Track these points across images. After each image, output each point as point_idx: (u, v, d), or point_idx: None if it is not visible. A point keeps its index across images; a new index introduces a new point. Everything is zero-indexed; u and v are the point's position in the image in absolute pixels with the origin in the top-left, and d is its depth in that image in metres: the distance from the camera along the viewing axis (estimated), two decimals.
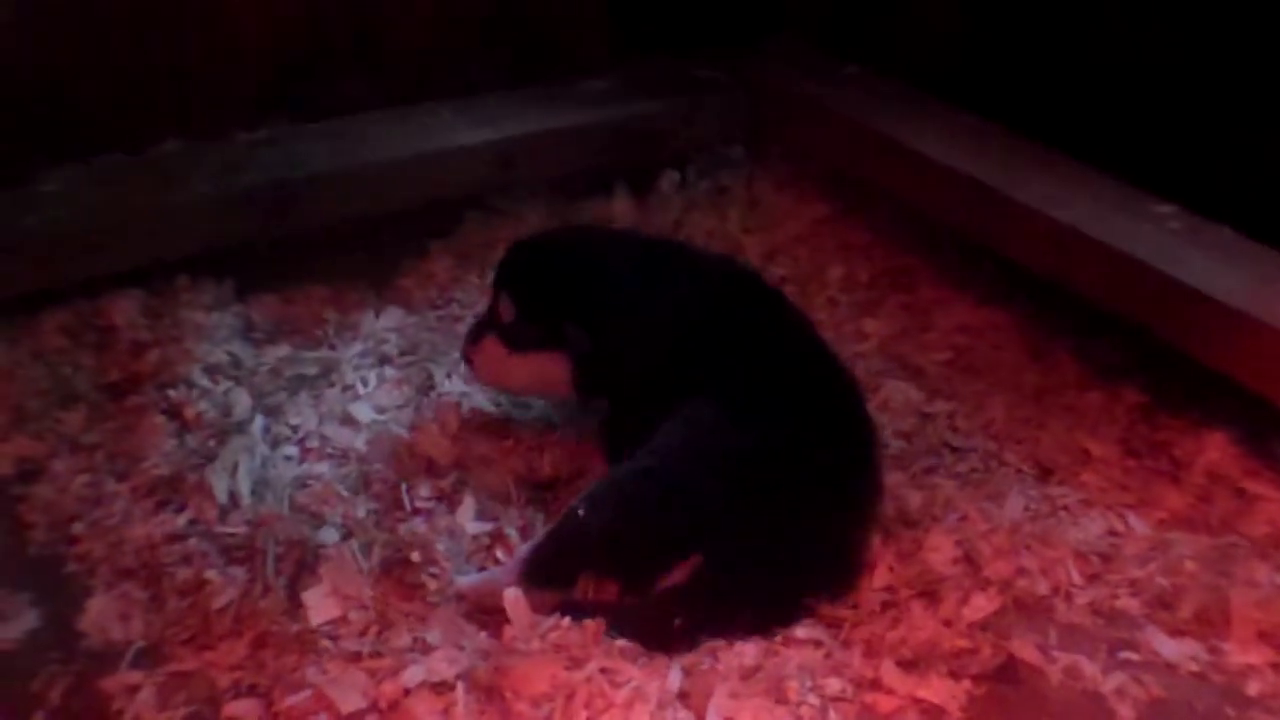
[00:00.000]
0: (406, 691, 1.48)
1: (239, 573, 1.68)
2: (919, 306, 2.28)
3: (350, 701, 1.47)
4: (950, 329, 2.22)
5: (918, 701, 1.51)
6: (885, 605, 1.65)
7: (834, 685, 1.51)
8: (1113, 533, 1.78)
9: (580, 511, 1.60)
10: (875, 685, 1.52)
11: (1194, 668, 1.58)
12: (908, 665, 1.55)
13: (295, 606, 1.63)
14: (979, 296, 2.29)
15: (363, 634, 1.59)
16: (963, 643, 1.58)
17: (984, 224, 2.19)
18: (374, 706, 1.47)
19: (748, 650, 1.55)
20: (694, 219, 2.53)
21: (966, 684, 1.53)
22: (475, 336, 1.90)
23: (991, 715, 1.50)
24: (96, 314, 2.16)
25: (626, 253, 1.92)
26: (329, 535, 1.73)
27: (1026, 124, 2.31)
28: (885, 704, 1.50)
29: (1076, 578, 1.69)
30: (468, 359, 1.91)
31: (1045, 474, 1.90)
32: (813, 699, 1.48)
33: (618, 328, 1.82)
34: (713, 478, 1.61)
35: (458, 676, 1.49)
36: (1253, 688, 1.55)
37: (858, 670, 1.54)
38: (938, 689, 1.51)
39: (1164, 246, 1.98)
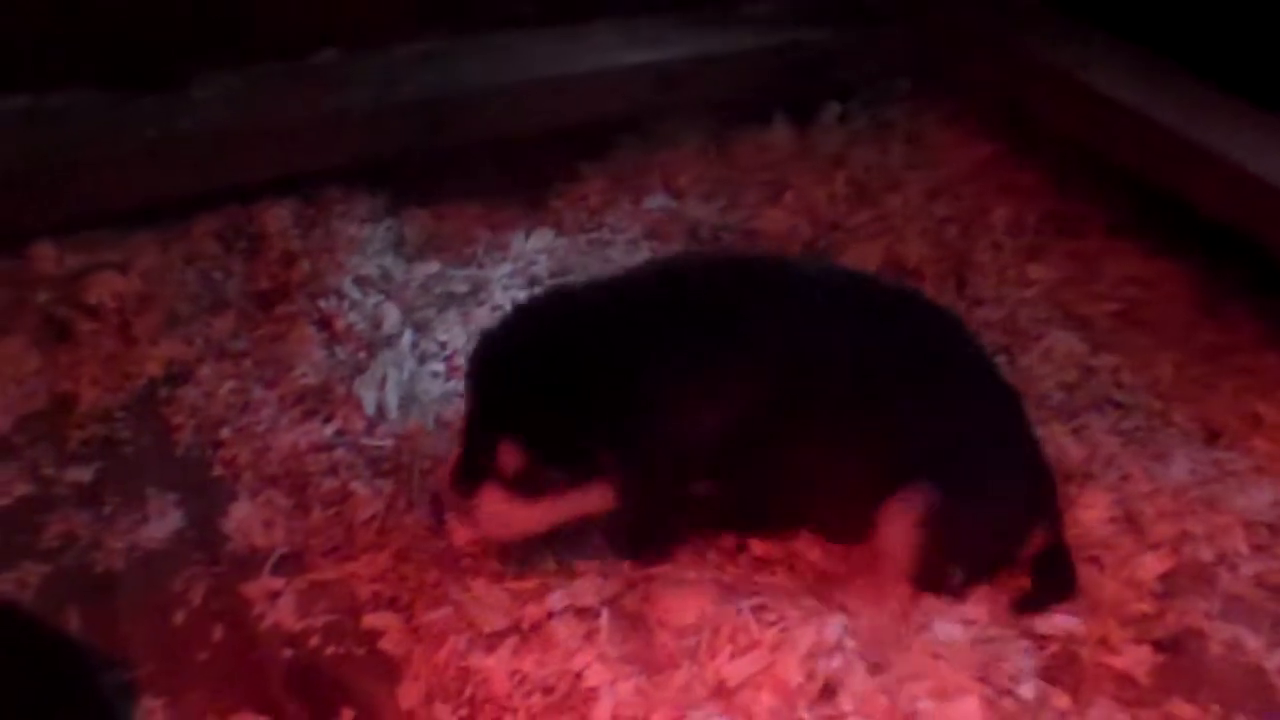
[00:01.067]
0: (550, 615, 1.47)
1: (385, 485, 1.68)
2: (1087, 254, 2.19)
3: (491, 621, 1.47)
4: (1120, 279, 2.12)
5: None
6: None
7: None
8: None
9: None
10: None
11: None
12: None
13: (439, 524, 1.62)
14: (1152, 247, 2.18)
15: (505, 555, 1.58)
16: (1145, 606, 1.53)
17: (1162, 168, 2.07)
18: (515, 628, 1.47)
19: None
20: (855, 153, 2.45)
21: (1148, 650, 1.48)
22: (466, 485, 1.47)
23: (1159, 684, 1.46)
24: (249, 221, 2.17)
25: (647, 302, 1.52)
26: None
27: (1203, 66, 2.18)
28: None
29: (1243, 547, 1.61)
30: (459, 512, 1.51)
31: (1213, 437, 1.81)
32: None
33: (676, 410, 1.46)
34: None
35: (603, 602, 1.48)
36: None
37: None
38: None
39: None
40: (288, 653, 1.50)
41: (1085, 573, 1.56)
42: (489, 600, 1.49)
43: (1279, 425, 1.82)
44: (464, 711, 1.40)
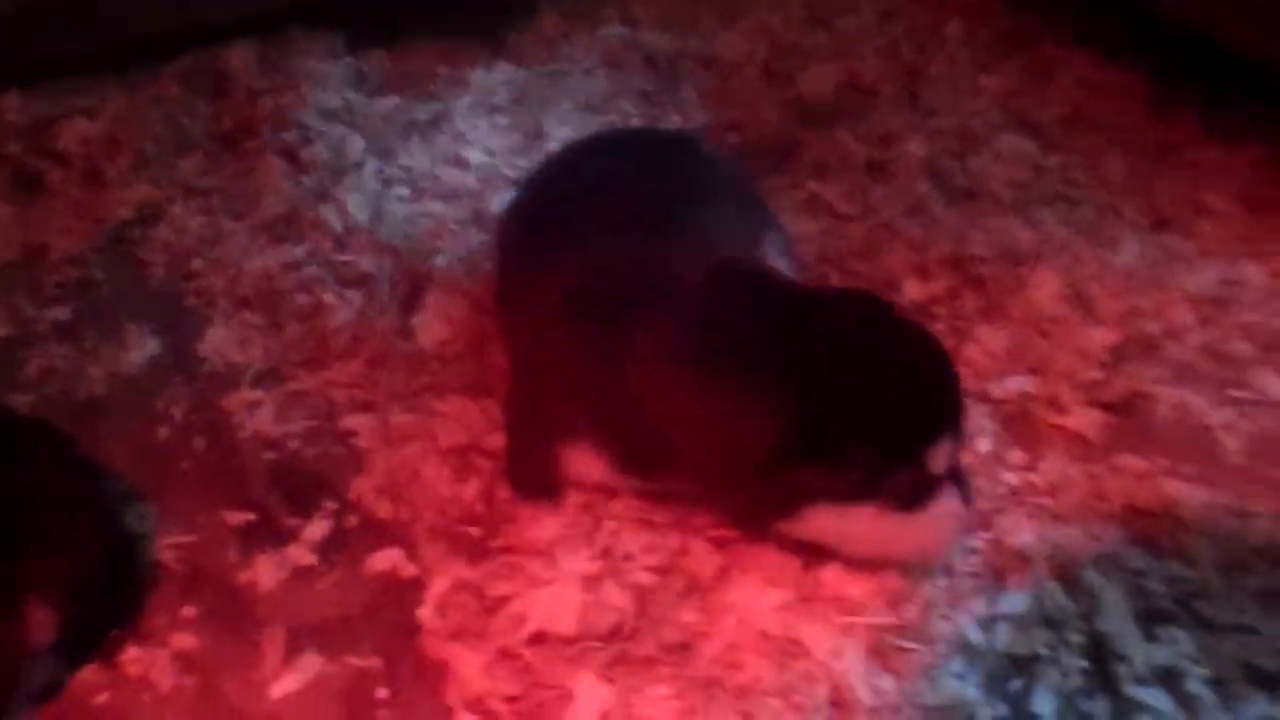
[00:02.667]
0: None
1: (355, 297, 1.73)
2: (1039, 65, 2.20)
3: (451, 436, 1.52)
4: (1070, 85, 2.14)
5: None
6: None
7: None
8: (1228, 281, 1.73)
9: None
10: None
11: None
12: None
13: (409, 329, 1.67)
14: (1102, 55, 2.20)
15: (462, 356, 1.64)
16: (1094, 373, 1.58)
17: None
18: (474, 445, 1.52)
19: None
20: None
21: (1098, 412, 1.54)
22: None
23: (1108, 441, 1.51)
24: (213, 63, 2.19)
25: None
26: (441, 264, 1.76)
27: None
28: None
29: (1189, 320, 1.67)
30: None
31: (1161, 224, 1.85)
32: None
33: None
34: None
35: None
36: None
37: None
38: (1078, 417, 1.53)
39: None
40: (269, 455, 1.56)
41: (1037, 344, 1.61)
42: (452, 414, 1.55)
43: (1225, 211, 1.86)
44: (404, 513, 1.46)
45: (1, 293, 1.84)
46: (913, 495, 1.20)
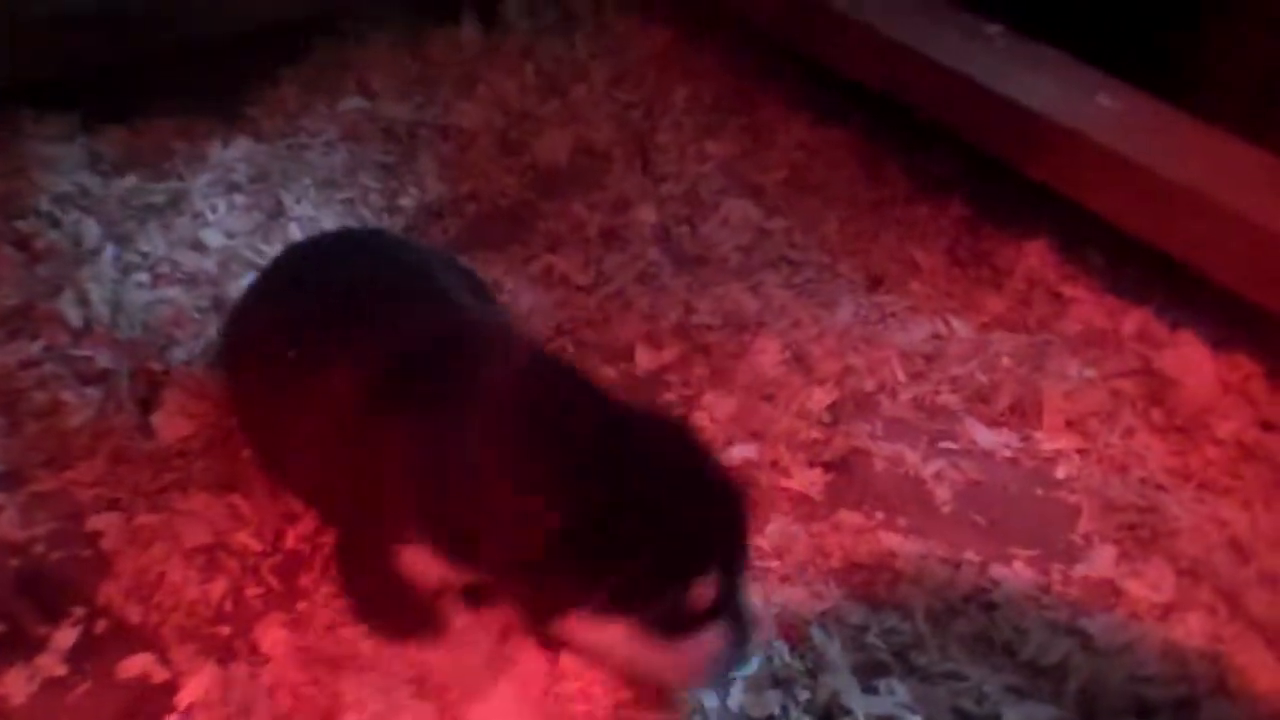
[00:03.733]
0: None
1: (94, 393, 1.71)
2: (759, 127, 2.33)
3: (194, 536, 1.54)
4: (790, 147, 2.27)
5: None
6: None
7: None
8: (937, 335, 1.88)
9: None
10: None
11: (1008, 454, 1.71)
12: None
13: (149, 426, 1.67)
14: (817, 116, 2.34)
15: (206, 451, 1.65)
16: (815, 433, 1.69)
17: (816, 41, 2.23)
18: (220, 544, 1.54)
19: None
20: (542, 46, 2.53)
21: (819, 471, 1.65)
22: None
23: (829, 499, 1.62)
24: None
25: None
26: (180, 355, 1.77)
27: None
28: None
29: (901, 376, 1.80)
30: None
31: (875, 283, 1.99)
32: None
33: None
34: None
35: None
36: (1061, 471, 1.68)
37: None
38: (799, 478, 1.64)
39: (991, 64, 2.05)
40: (14, 562, 1.53)
41: (760, 409, 1.72)
42: (197, 512, 1.56)
43: (933, 268, 2.02)
44: (154, 616, 1.47)
45: None
46: (669, 623, 1.20)
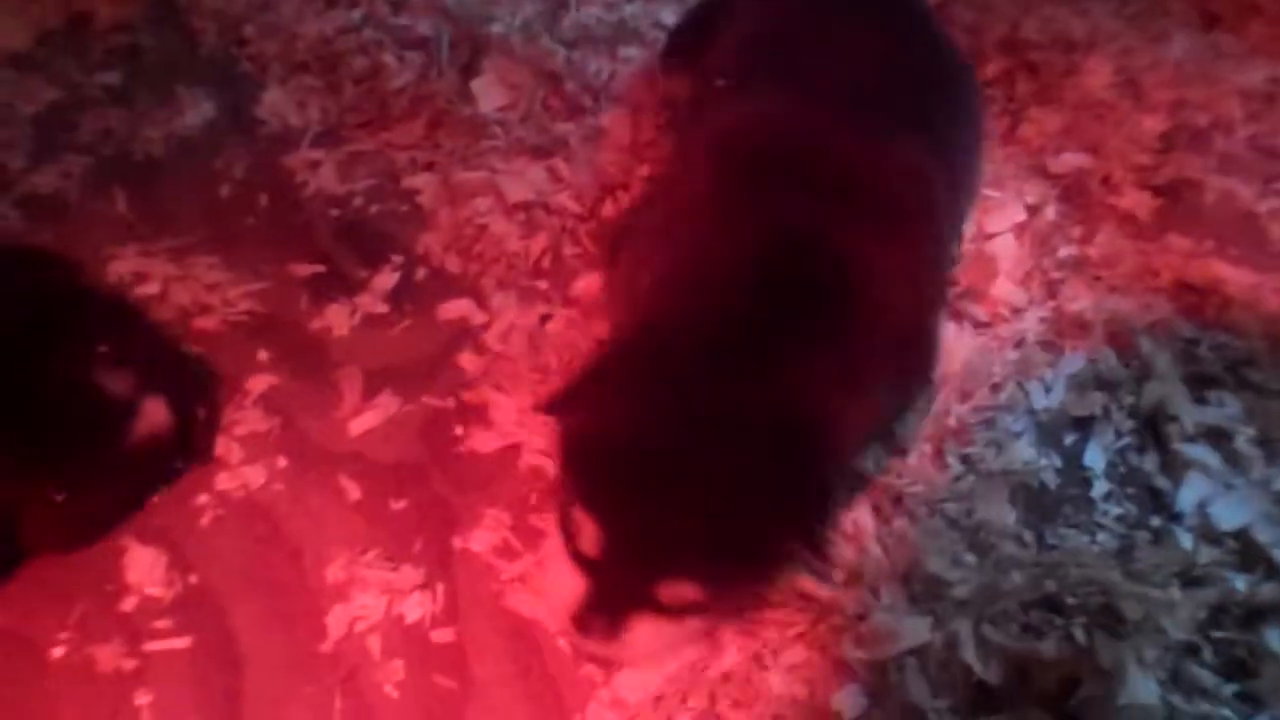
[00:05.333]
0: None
1: (415, 57, 1.73)
2: None
3: (515, 192, 1.54)
4: None
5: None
6: None
7: None
8: (1275, 79, 1.75)
9: None
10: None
11: None
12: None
13: (469, 93, 1.67)
14: None
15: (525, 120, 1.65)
16: (1144, 158, 1.61)
17: None
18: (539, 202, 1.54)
19: None
20: None
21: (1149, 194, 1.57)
22: (606, 625, 1.06)
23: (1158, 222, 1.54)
24: None
25: None
26: (499, 30, 1.76)
27: None
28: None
29: (1238, 113, 1.68)
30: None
31: (1211, 22, 1.85)
32: None
33: None
34: None
35: None
36: None
37: None
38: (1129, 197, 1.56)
39: None
40: (334, 212, 1.58)
41: (1090, 127, 1.63)
42: (517, 172, 1.57)
43: (1275, 12, 1.87)
44: (472, 266, 1.49)
45: (48, 58, 1.84)
46: None
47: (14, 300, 1.27)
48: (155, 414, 1.26)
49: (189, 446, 1.31)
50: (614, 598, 1.04)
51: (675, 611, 1.04)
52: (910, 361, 1.18)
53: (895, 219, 1.12)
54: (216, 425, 1.35)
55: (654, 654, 1.10)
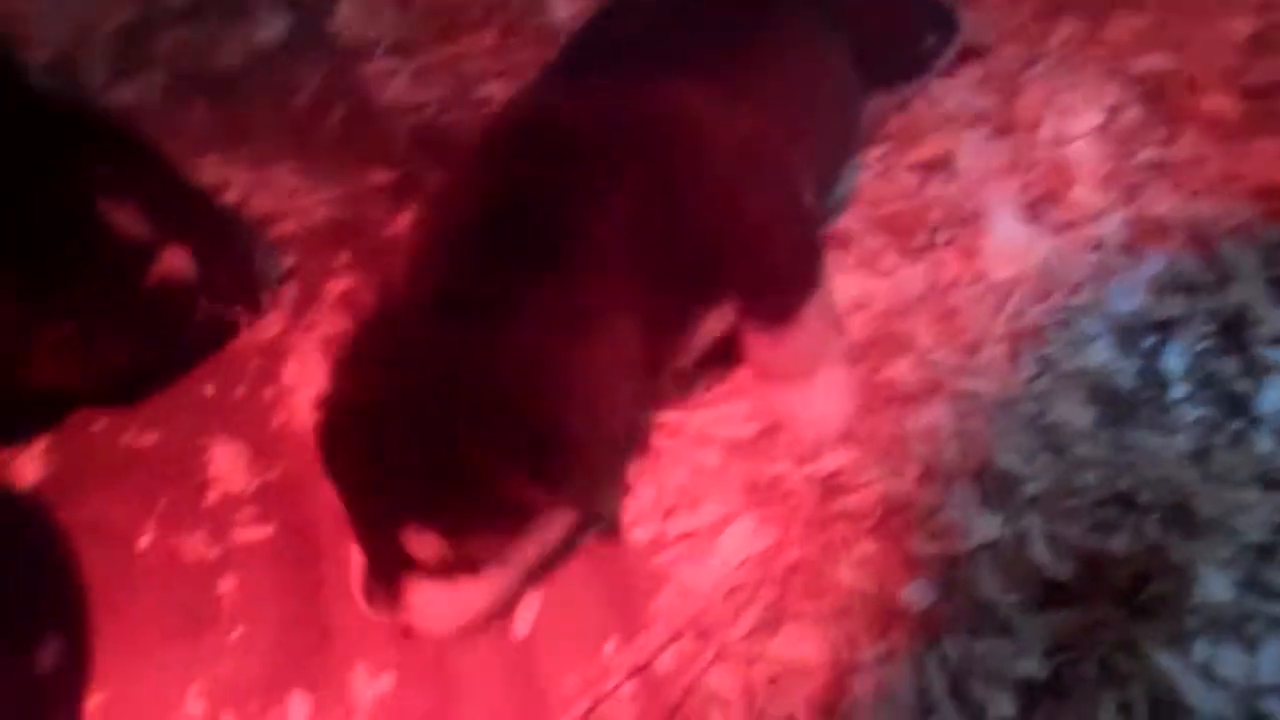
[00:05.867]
0: None
1: None
2: None
3: None
4: None
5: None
6: None
7: None
8: None
9: None
10: None
11: None
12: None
13: (541, 2, 1.68)
14: None
15: None
16: (1231, 60, 1.56)
17: None
18: None
19: None
20: None
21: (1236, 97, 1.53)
22: (385, 592, 1.08)
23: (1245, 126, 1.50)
24: None
25: None
26: None
27: None
28: None
29: None
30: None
31: None
32: None
33: None
34: None
35: None
36: None
37: None
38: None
39: None
40: (408, 120, 1.59)
41: (1175, 28, 1.60)
42: None
43: None
44: None
45: None
46: None
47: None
48: (174, 258, 1.27)
49: (221, 295, 1.32)
50: (382, 564, 1.06)
51: (440, 569, 1.05)
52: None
53: (616, 167, 1.09)
54: (251, 271, 1.36)
55: (443, 616, 1.09)
